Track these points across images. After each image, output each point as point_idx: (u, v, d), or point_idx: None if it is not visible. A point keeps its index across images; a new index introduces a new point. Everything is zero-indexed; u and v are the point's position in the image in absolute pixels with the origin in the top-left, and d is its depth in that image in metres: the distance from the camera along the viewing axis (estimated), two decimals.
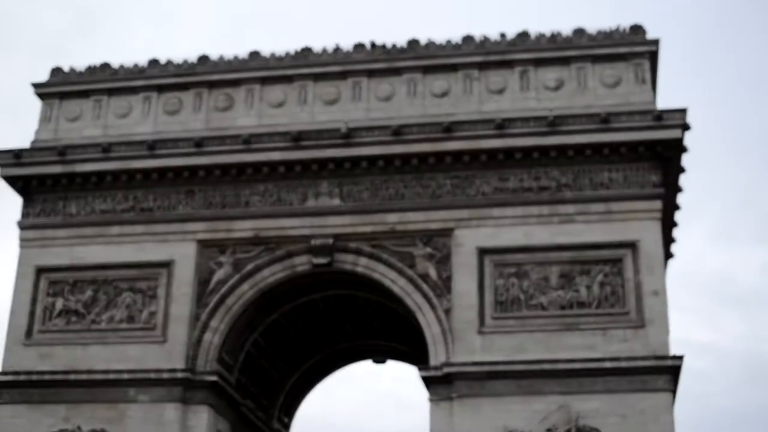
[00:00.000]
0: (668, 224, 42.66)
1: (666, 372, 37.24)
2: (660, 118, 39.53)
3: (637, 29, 41.95)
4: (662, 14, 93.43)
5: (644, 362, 37.28)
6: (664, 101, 41.38)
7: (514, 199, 40.23)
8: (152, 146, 42.74)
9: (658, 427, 36.64)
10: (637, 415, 36.82)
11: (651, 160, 40.00)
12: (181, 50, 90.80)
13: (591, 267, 39.08)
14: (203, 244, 42.13)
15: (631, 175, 39.99)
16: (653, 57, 41.67)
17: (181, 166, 42.68)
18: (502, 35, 42.76)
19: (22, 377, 41.47)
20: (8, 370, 41.83)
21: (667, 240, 43.03)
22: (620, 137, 39.87)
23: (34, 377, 41.39)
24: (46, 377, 41.27)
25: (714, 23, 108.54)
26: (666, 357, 37.37)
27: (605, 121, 39.78)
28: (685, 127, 39.53)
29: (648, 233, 39.21)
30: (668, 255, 44.11)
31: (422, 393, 39.61)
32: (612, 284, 38.75)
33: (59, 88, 45.53)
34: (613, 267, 38.97)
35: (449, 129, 40.61)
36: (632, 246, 38.93)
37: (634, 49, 41.58)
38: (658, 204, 39.68)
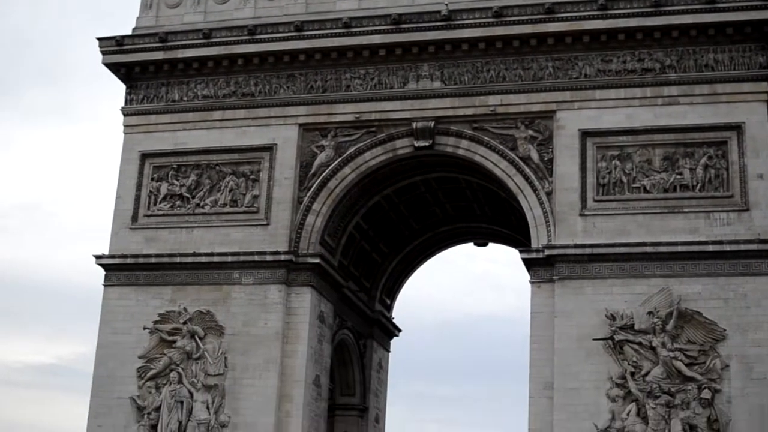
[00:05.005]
0: None
1: None
2: None
3: None
4: None
5: (748, 245, 36.84)
6: None
7: (617, 81, 39.63)
8: (253, 31, 42.82)
9: (760, 310, 36.34)
10: (739, 299, 36.57)
11: (758, 40, 38.95)
12: None
13: (695, 149, 38.55)
14: (305, 128, 42.37)
15: (737, 56, 39.05)
16: None
17: (281, 50, 42.73)
18: None
19: (129, 260, 42.45)
20: (115, 253, 42.81)
21: None
22: (726, 17, 38.85)
23: (141, 260, 42.34)
24: (152, 260, 42.21)
25: None
26: None
27: (711, 0, 38.85)
28: None
29: (754, 115, 38.41)
30: None
31: (519, 275, 39.79)
32: (716, 167, 38.18)
33: None
34: (717, 149, 38.38)
35: (551, 10, 39.97)
36: (737, 128, 38.27)
37: None
38: (764, 86, 38.71)
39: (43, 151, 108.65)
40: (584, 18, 39.83)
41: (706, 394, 35.53)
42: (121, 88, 45.27)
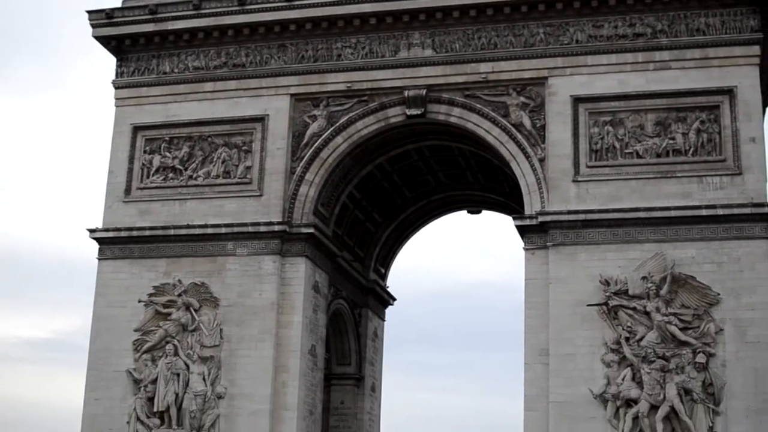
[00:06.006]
0: (766, 70, 41.66)
1: (763, 219, 36.78)
2: None
3: None
4: None
5: (741, 209, 36.89)
6: None
7: (608, 47, 39.51)
8: (243, 1, 42.59)
9: (754, 274, 36.44)
10: (732, 263, 36.66)
11: (749, 4, 38.76)
12: None
13: (687, 114, 38.50)
14: (296, 98, 42.28)
15: (728, 20, 38.93)
16: None
17: (272, 20, 42.52)
18: None
19: (123, 234, 42.43)
20: (109, 226, 42.81)
21: (765, 86, 42.07)
22: None
23: (134, 233, 42.32)
24: (146, 233, 42.18)
25: None
26: (763, 204, 36.86)
27: None
28: None
29: (746, 79, 38.35)
30: (766, 101, 43.19)
31: (513, 242, 39.83)
32: (708, 131, 38.16)
33: None
34: (709, 114, 38.34)
35: None
36: (729, 92, 38.20)
37: None
38: (756, 49, 38.64)
39: (35, 125, 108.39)
40: None
41: (700, 358, 35.67)
42: (112, 60, 45.09)
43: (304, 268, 40.98)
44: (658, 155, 38.34)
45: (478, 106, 40.35)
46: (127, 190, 43.19)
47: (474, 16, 40.76)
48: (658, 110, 38.79)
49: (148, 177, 43.22)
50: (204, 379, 39.79)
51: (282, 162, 41.67)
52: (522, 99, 40.04)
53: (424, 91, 40.78)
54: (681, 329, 36.14)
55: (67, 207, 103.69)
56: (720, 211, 37.00)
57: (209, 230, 41.41)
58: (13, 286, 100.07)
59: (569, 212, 38.20)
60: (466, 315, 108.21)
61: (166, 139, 43.28)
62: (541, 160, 39.29)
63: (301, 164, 41.64)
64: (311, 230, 41.12)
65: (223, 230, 41.23)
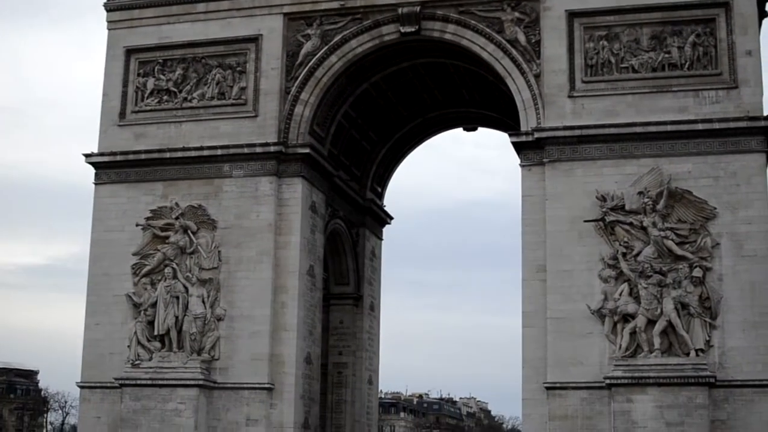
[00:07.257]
0: None
1: (759, 133, 36.80)
2: None
3: None
4: None
5: (737, 123, 36.87)
6: None
7: None
8: None
9: (750, 188, 36.59)
10: (729, 177, 36.79)
11: None
12: None
13: (683, 27, 38.25)
14: (290, 17, 42.00)
15: None
16: None
17: None
18: None
19: (119, 157, 42.48)
20: (105, 151, 42.87)
21: None
22: None
23: (131, 157, 42.38)
24: (142, 156, 42.25)
25: None
26: (759, 118, 36.83)
27: None
28: None
29: None
30: (762, 14, 42.82)
31: (509, 159, 39.69)
32: (704, 45, 37.96)
33: None
34: (705, 27, 38.09)
35: None
36: (725, 5, 37.93)
37: None
38: None
39: (24, 51, 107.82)
40: None
41: (697, 272, 35.88)
42: None
43: (300, 189, 41.03)
44: (654, 69, 38.18)
45: (473, 22, 40.04)
46: (122, 114, 43.10)
47: None
48: (653, 24, 38.53)
49: (142, 100, 43.15)
50: (203, 301, 40.01)
51: (276, 82, 41.51)
52: (516, 14, 39.73)
53: (417, 8, 40.42)
54: (678, 244, 36.31)
55: (61, 133, 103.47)
56: (716, 125, 36.97)
57: (205, 152, 41.41)
58: (8, 213, 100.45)
59: (565, 128, 38.14)
60: (463, 233, 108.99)
61: (160, 61, 43.09)
62: (537, 76, 39.11)
63: (295, 84, 41.47)
64: (307, 150, 41.08)
65: (219, 152, 41.23)
